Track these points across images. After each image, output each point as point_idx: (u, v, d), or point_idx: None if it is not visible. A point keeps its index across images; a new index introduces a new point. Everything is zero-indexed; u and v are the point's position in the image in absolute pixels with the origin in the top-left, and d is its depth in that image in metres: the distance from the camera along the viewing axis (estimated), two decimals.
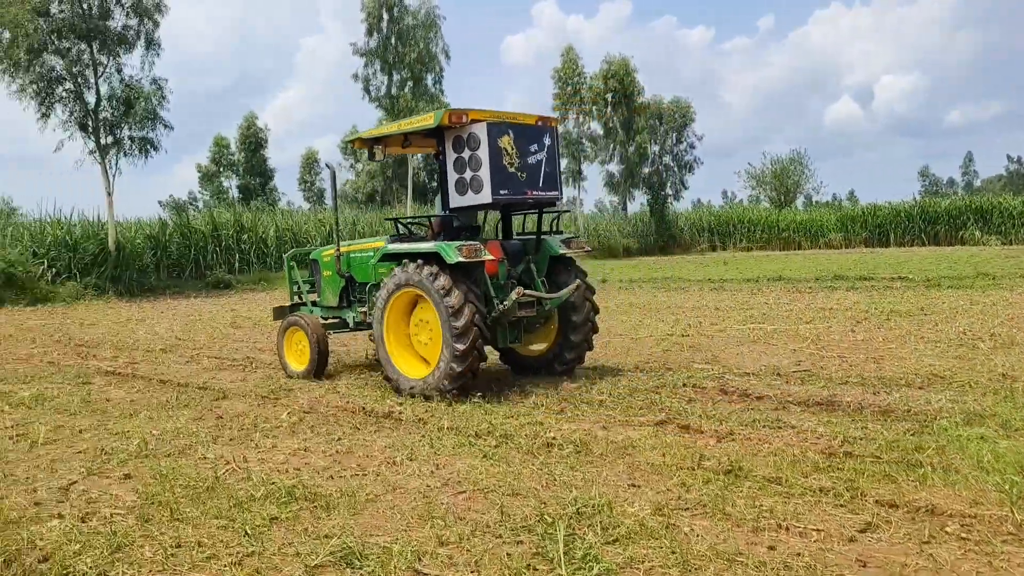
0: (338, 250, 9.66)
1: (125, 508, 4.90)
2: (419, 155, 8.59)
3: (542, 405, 7.61)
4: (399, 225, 9.26)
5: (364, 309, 9.20)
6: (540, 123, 8.66)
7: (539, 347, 9.39)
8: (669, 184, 55.25)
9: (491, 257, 8.05)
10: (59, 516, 4.76)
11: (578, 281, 8.80)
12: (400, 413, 7.36)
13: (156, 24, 26.29)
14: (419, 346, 8.30)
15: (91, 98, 25.54)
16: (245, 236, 31.72)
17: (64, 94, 25.17)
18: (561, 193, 8.94)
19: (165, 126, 26.54)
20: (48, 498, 5.15)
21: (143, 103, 25.78)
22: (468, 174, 8.26)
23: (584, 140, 48.79)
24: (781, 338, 11.53)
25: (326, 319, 10.03)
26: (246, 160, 56.92)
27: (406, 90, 36.86)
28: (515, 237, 9.20)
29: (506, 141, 8.18)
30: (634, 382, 8.54)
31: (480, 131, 8.09)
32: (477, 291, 7.94)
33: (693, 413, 7.01)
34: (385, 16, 36.70)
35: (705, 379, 8.57)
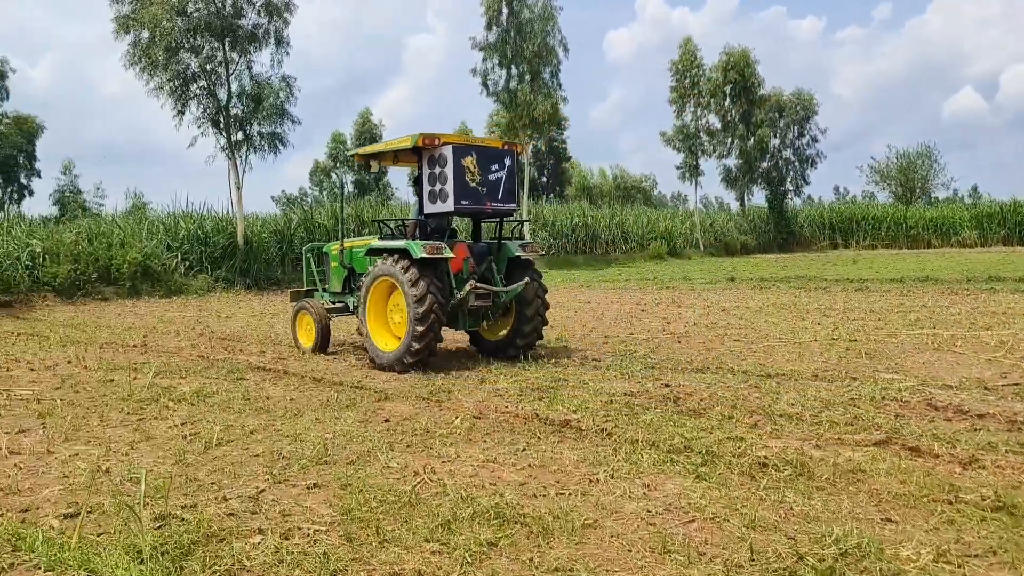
0: (342, 245, 11.63)
1: (325, 524, 4.53)
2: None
3: (730, 416, 6.96)
4: (382, 226, 11.03)
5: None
6: (505, 147, 10.29)
7: (501, 333, 11.00)
8: (789, 179, 53.19)
9: (451, 254, 9.76)
10: (260, 532, 4.42)
11: (527, 279, 10.27)
12: (579, 422, 6.84)
13: (286, 23, 26.73)
14: (393, 326, 10.10)
15: (223, 95, 26.15)
16: (366, 231, 31.97)
17: (198, 91, 25.83)
18: (518, 205, 10.56)
19: (292, 121, 26.95)
20: (241, 508, 4.83)
21: (271, 99, 26.18)
22: (438, 187, 9.88)
23: (702, 134, 47.39)
24: (965, 346, 10.50)
25: (332, 303, 12.08)
26: None
27: (524, 83, 36.47)
28: (482, 241, 10.95)
29: (469, 161, 9.82)
30: (822, 393, 7.78)
31: (447, 152, 9.71)
32: (439, 283, 9.63)
33: (913, 432, 6.24)
34: (504, 10, 36.41)
35: (903, 391, 7.74)
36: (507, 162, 10.23)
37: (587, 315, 15.92)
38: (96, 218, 28.82)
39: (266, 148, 26.67)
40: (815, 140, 53.18)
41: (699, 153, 47.05)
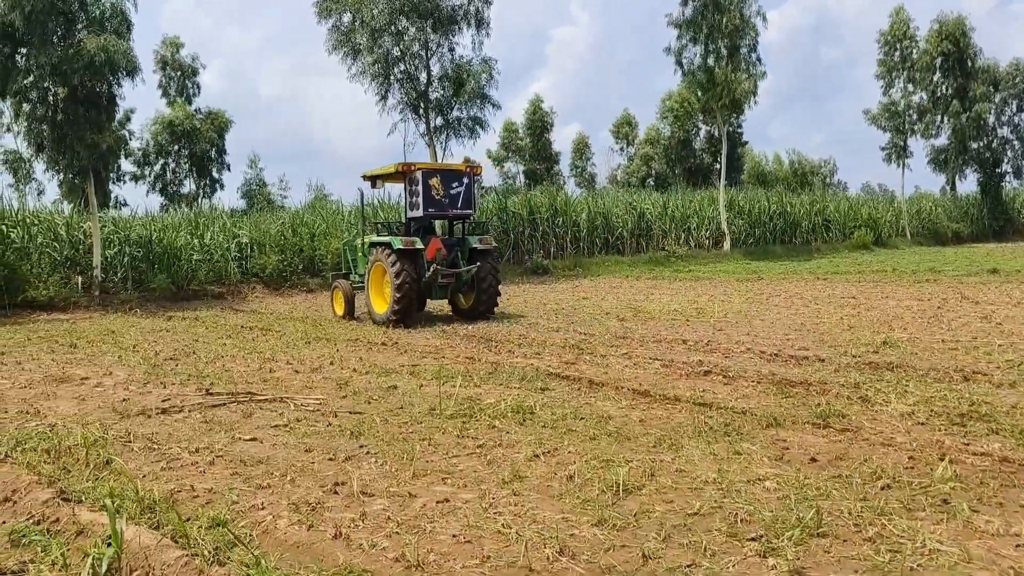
0: (363, 240, 15.82)
1: None
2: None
3: None
4: (381, 226, 16.73)
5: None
6: (467, 168, 14.86)
7: (466, 302, 15.21)
8: (1006, 160, 47.89)
9: (422, 246, 13.98)
10: None
11: (478, 263, 14.40)
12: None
13: (487, 3, 25.49)
14: (387, 297, 14.18)
15: (423, 79, 25.21)
16: (559, 220, 30.48)
17: (399, 75, 24.99)
18: (474, 211, 15.06)
19: (493, 105, 25.69)
20: None
21: (473, 83, 25.00)
22: (414, 199, 14.43)
23: (911, 112, 43.12)
24: None
25: (356, 283, 16.04)
26: (532, 144, 56.54)
27: (720, 61, 33.91)
28: (452, 236, 15.19)
29: (435, 181, 14.26)
30: None
31: (418, 175, 14.17)
32: (413, 267, 13.79)
33: None
34: None
35: None
36: (465, 180, 14.58)
37: (919, 318, 13.59)
38: (295, 209, 28.64)
39: (466, 133, 25.53)
40: None
41: (908, 133, 42.85)
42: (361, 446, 6.09)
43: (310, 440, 6.34)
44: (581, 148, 70.36)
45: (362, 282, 15.49)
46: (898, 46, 42.27)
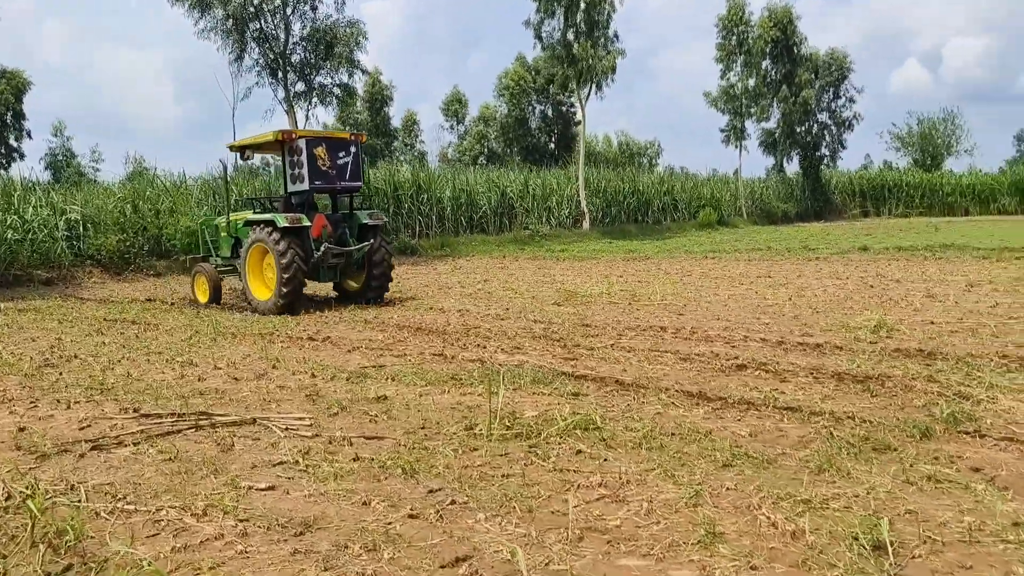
0: (228, 219, 14.30)
1: None
2: None
3: None
4: (256, 203, 15.05)
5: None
6: (352, 137, 13.37)
7: (354, 285, 13.92)
8: (824, 144, 50.85)
9: (309, 223, 12.57)
10: None
11: (372, 240, 13.21)
12: None
13: None
14: (268, 282, 12.79)
15: (282, 37, 22.69)
16: (424, 197, 28.81)
17: (255, 33, 22.35)
18: (362, 183, 13.80)
19: (364, 71, 23.59)
20: None
21: (341, 46, 22.80)
22: (296, 171, 12.80)
23: (744, 98, 44.64)
24: None
25: (221, 267, 14.53)
26: (371, 119, 54.07)
27: (580, 37, 33.28)
28: (337, 212, 13.69)
29: (320, 150, 12.68)
30: None
31: (301, 143, 12.58)
32: (301, 246, 12.37)
33: None
34: None
35: None
36: (352, 149, 13.12)
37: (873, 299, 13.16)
38: (134, 181, 25.11)
39: (333, 100, 23.25)
40: (852, 101, 50.77)
41: (746, 116, 44.38)
42: (431, 491, 4.51)
43: (348, 484, 4.66)
44: (410, 126, 68.56)
45: (228, 266, 14.37)
46: (735, 31, 43.58)
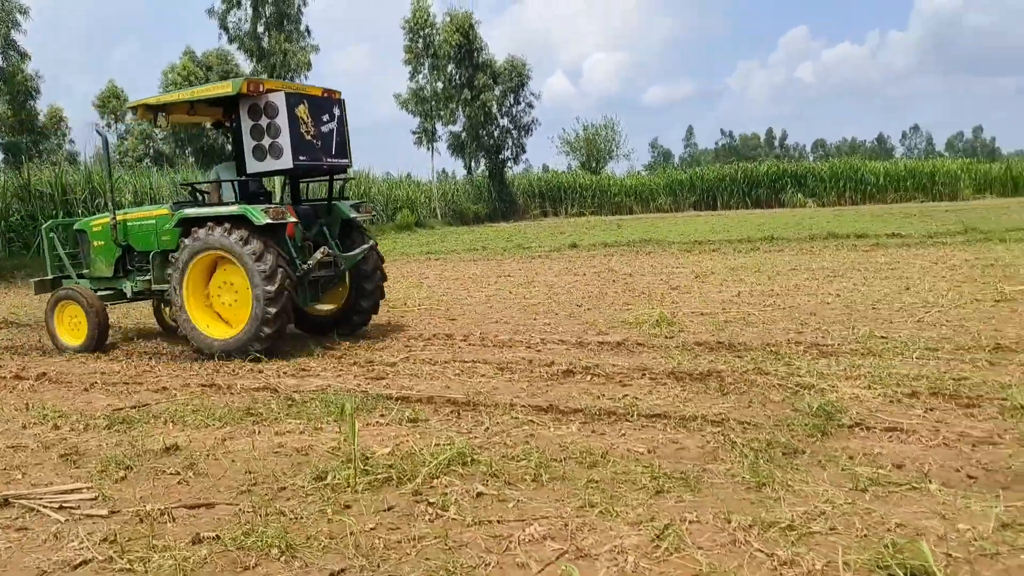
0: (114, 219, 9.49)
1: None
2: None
3: None
4: (195, 191, 9.63)
5: (148, 278, 9.35)
6: (326, 95, 9.16)
7: (328, 307, 9.87)
8: (507, 148, 53.00)
9: (294, 219, 8.51)
10: None
11: (372, 241, 9.49)
12: None
13: None
14: (221, 308, 8.62)
15: None
16: (102, 203, 25.18)
17: None
18: (351, 161, 9.51)
19: (22, 55, 19.91)
20: None
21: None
22: (267, 141, 8.49)
23: (433, 101, 45.04)
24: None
25: (97, 291, 9.77)
26: (13, 114, 46.73)
27: (271, 29, 31.32)
28: (304, 202, 9.74)
29: (302, 111, 8.65)
30: None
31: (278, 100, 8.40)
32: (284, 254, 8.39)
33: None
34: None
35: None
36: (336, 112, 9.26)
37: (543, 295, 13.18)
38: None
39: None
40: (531, 107, 53.33)
41: (436, 118, 44.76)
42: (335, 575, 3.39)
43: None
44: (55, 123, 60.88)
45: (109, 289, 9.83)
46: (421, 34, 43.79)
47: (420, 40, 43.79)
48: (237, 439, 5.46)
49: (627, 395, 6.20)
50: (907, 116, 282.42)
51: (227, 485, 4.56)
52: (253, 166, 8.69)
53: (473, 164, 50.80)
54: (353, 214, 9.42)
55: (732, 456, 4.67)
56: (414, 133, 44.69)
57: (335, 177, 9.40)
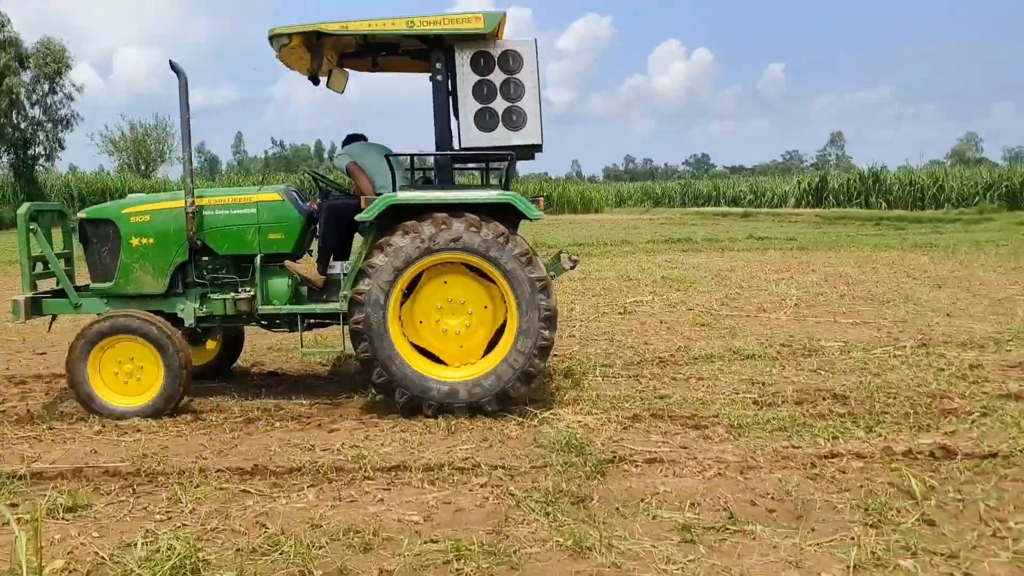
0: (192, 203, 6.22)
1: None
2: None
3: None
4: (316, 178, 7.09)
5: (244, 295, 6.21)
6: None
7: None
8: (38, 142, 45.92)
9: (540, 213, 6.14)
10: None
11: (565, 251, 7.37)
12: None
13: None
14: (437, 337, 6.00)
15: None
16: None
17: None
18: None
19: None
20: None
21: None
22: (500, 104, 6.12)
23: None
24: None
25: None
26: None
27: None
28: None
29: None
30: None
31: (526, 51, 6.12)
32: None
33: None
34: None
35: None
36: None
37: None
38: None
39: None
40: (70, 99, 46.54)
41: None
42: None
43: None
44: None
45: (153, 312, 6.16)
46: None
47: None
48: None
49: (343, 443, 5.20)
50: None
51: None
52: (474, 138, 6.09)
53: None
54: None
55: (523, 514, 4.02)
56: None
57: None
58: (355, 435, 5.41)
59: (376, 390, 5.96)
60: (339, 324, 6.07)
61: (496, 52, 6.10)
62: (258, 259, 6.19)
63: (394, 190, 6.08)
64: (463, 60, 6.07)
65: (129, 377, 5.91)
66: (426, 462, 4.80)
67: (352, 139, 6.85)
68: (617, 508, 4.09)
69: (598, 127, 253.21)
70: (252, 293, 6.17)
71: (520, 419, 5.69)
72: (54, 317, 6.60)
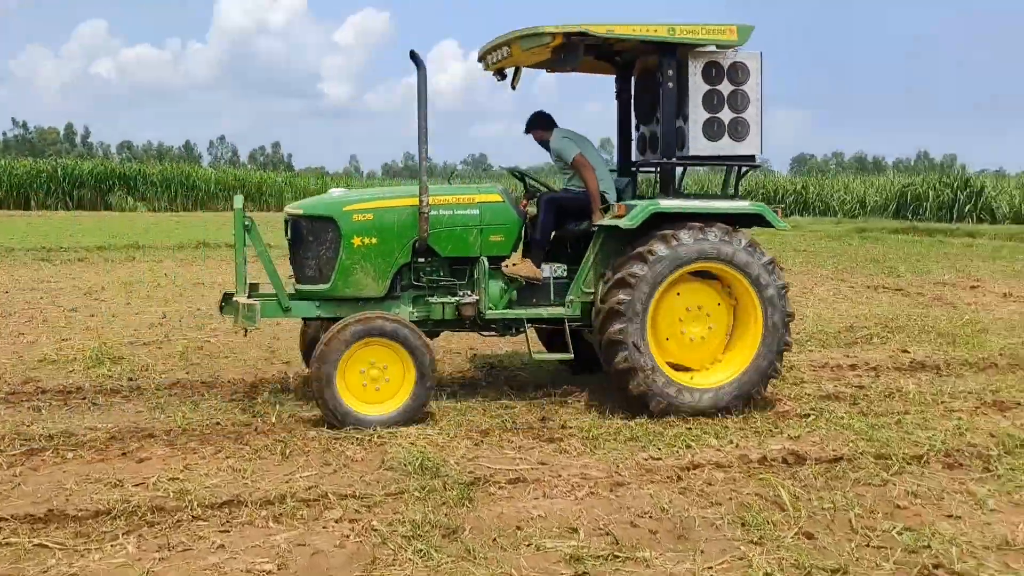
0: (427, 204, 5.91)
1: None
2: None
3: None
4: (523, 177, 7.01)
5: (470, 299, 6.04)
6: None
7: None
8: None
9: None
10: None
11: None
12: None
13: None
14: (682, 346, 6.12)
15: None
16: None
17: None
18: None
19: None
20: None
21: None
22: (727, 114, 6.20)
23: None
24: None
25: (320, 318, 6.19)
26: None
27: None
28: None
29: None
30: None
31: (752, 63, 6.19)
32: None
33: None
34: None
35: None
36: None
37: None
38: None
39: None
40: None
41: None
42: None
43: None
44: None
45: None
46: None
47: None
48: None
49: (158, 475, 4.46)
50: (213, 126, 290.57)
51: None
52: (700, 147, 6.13)
53: None
54: None
55: (392, 553, 3.55)
56: None
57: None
58: (171, 464, 4.67)
59: (628, 402, 5.84)
60: (560, 327, 6.12)
61: (726, 63, 6.15)
62: (484, 261, 6.04)
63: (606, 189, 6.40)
64: (695, 70, 6.11)
65: (372, 379, 5.55)
66: (264, 495, 4.19)
67: (545, 120, 6.63)
68: (494, 539, 3.73)
69: (377, 122, 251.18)
70: (476, 297, 5.99)
71: (358, 437, 5.18)
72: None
